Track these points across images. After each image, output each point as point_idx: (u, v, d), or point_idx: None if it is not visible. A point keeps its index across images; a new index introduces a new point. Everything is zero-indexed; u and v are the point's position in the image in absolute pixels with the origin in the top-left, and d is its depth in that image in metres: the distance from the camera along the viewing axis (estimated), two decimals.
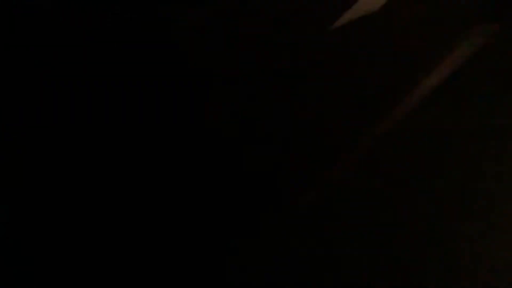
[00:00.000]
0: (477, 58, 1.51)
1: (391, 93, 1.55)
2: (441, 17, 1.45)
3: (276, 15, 1.39)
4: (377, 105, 1.56)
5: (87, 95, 1.21)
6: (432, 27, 1.45)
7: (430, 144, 1.60)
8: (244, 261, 1.54)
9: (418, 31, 1.43)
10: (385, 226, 1.58)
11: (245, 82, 1.40)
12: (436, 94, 1.59)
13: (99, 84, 1.21)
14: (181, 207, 1.43)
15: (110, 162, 1.27)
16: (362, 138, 1.61)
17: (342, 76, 1.46)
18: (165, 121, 1.33)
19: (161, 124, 1.33)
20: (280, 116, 1.42)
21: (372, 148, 1.61)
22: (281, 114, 1.42)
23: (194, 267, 1.51)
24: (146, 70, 1.26)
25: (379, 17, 1.39)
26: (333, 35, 1.44)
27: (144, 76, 1.26)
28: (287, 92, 1.44)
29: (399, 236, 1.56)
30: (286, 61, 1.43)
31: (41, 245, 1.18)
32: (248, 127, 1.40)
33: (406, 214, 1.59)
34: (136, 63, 1.24)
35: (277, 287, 1.53)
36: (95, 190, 1.26)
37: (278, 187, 1.55)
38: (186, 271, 1.50)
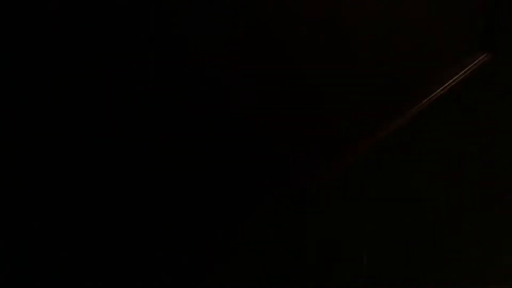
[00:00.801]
0: (472, 83, 1.68)
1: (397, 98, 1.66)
2: (440, 45, 1.57)
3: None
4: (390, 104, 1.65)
5: (81, 94, 1.21)
6: (431, 53, 1.58)
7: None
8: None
9: (418, 56, 1.56)
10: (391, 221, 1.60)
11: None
12: (434, 114, 1.69)
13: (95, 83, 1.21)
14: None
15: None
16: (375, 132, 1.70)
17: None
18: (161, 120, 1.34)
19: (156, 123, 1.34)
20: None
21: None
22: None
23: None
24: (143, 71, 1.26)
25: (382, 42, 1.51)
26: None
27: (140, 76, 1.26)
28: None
29: (404, 234, 1.58)
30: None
31: (40, 245, 1.18)
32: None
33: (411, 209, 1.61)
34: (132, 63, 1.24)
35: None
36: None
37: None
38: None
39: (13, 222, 1.12)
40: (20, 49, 1.03)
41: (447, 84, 1.72)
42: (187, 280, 1.56)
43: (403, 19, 1.52)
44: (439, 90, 1.73)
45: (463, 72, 1.70)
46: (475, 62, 1.69)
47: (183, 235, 1.53)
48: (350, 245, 1.61)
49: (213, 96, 1.40)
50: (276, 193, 1.70)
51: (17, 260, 1.14)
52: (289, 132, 1.59)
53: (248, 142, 1.53)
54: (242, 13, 1.29)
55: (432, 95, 1.73)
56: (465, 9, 1.52)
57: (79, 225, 1.25)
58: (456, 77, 1.71)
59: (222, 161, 1.51)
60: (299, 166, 1.70)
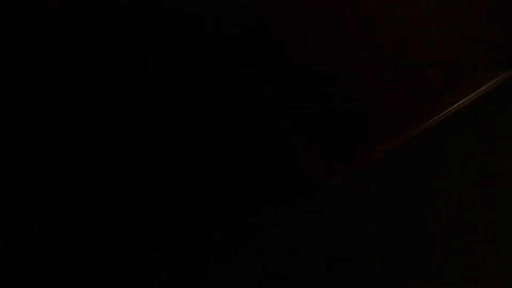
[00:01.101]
0: (491, 99, 1.70)
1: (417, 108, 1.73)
2: (460, 61, 1.60)
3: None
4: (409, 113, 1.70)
5: (83, 93, 1.21)
6: (452, 69, 1.61)
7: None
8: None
9: (440, 71, 1.59)
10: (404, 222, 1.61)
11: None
12: (455, 124, 1.72)
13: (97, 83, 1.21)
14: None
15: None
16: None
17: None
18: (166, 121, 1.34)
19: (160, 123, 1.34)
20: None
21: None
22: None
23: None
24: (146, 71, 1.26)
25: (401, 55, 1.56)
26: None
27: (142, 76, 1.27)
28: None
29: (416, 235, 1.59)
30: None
31: (40, 245, 1.18)
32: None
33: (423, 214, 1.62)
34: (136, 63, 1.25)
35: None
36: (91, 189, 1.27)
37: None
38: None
39: (13, 222, 1.12)
40: (20, 49, 1.03)
41: (464, 99, 1.74)
42: (187, 280, 1.56)
43: (423, 33, 1.53)
44: (455, 104, 1.75)
45: (481, 88, 1.73)
46: (494, 79, 1.72)
47: (183, 235, 1.53)
48: (350, 245, 1.61)
49: (213, 96, 1.40)
50: (277, 193, 1.70)
51: (17, 260, 1.14)
52: (289, 133, 1.59)
53: (247, 143, 1.53)
54: (242, 13, 1.29)
55: (448, 109, 1.75)
56: (485, 26, 1.54)
57: (79, 225, 1.25)
58: (474, 93, 1.73)
59: (222, 161, 1.51)
60: (300, 167, 1.70)
